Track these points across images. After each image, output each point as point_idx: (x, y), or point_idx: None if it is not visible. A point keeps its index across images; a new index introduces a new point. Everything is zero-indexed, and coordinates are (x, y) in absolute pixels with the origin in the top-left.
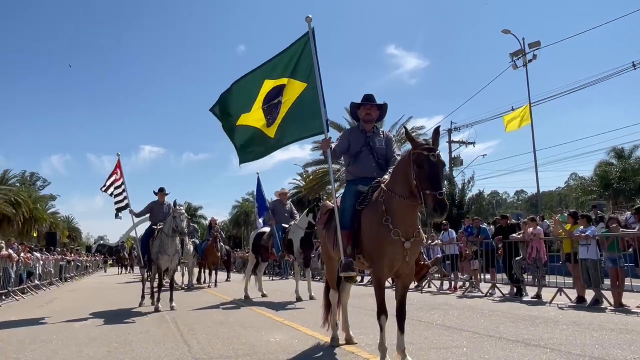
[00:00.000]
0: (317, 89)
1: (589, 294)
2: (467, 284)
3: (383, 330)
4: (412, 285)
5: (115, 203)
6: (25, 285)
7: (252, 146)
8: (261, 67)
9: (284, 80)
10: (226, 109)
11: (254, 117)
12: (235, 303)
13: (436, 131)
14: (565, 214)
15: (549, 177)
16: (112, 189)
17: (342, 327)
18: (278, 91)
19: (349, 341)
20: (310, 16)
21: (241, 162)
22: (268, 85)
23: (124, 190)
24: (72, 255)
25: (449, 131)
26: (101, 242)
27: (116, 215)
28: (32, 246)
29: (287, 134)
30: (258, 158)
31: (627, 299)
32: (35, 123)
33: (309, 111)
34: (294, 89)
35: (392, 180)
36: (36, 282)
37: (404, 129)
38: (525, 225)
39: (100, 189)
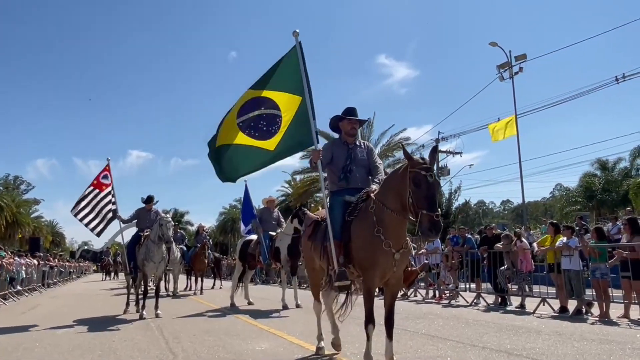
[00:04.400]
0: (307, 101)
1: (572, 304)
2: (453, 292)
3: (370, 339)
4: (400, 292)
5: (93, 228)
6: (7, 292)
7: (239, 162)
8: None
9: (271, 94)
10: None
11: (230, 136)
12: (221, 311)
13: (434, 150)
14: (547, 223)
15: (535, 187)
16: (87, 209)
17: (331, 330)
18: (259, 103)
19: (335, 345)
20: (297, 31)
21: (225, 179)
22: (248, 95)
23: (112, 197)
24: (57, 260)
25: (437, 141)
26: (85, 247)
27: (98, 234)
28: (15, 251)
29: (286, 148)
30: (253, 171)
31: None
32: (20, 127)
33: (304, 124)
34: (292, 103)
35: (382, 192)
36: (18, 288)
37: (394, 140)
38: (507, 239)
39: (73, 213)
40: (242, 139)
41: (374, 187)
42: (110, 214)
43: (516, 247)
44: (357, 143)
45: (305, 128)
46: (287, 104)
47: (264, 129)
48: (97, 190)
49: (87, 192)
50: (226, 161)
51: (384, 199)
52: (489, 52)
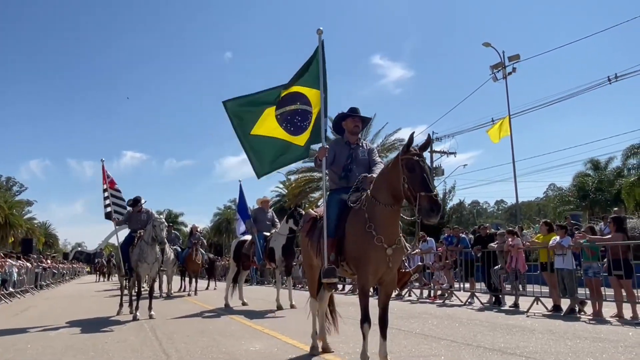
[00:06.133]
0: (321, 99)
1: (565, 303)
2: (447, 293)
3: (366, 338)
4: (394, 293)
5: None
6: None
7: (273, 156)
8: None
9: (303, 89)
10: (240, 112)
11: (267, 126)
12: (215, 312)
13: (429, 138)
14: (541, 223)
15: (528, 187)
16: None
17: (319, 335)
18: (294, 98)
19: (325, 349)
20: (321, 29)
21: (261, 174)
22: (284, 92)
23: (107, 197)
24: (50, 262)
25: (430, 139)
26: (79, 248)
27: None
28: (7, 252)
29: (312, 142)
30: (283, 166)
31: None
32: (14, 127)
33: (320, 121)
34: (317, 98)
35: (375, 187)
36: (10, 289)
37: (388, 140)
38: (502, 237)
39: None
40: (279, 132)
41: (373, 175)
42: (110, 208)
43: (511, 244)
44: (359, 143)
45: (319, 126)
46: (315, 100)
47: (298, 124)
48: (105, 186)
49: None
50: (261, 152)
51: (376, 194)
52: (483, 53)
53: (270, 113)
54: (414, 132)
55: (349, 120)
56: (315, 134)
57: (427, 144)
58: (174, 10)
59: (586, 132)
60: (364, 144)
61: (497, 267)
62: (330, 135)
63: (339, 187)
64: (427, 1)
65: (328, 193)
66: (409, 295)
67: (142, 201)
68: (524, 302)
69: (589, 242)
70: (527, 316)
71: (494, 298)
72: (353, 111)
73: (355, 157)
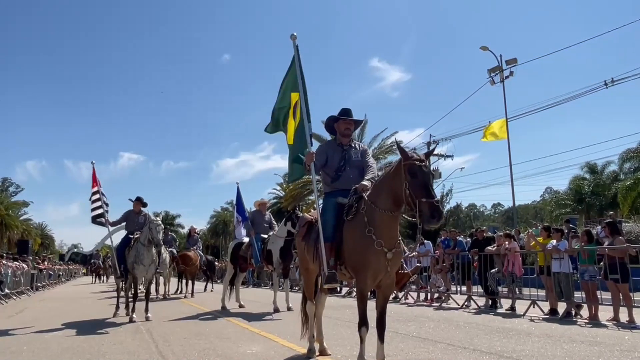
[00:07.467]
0: (302, 105)
1: (562, 307)
2: (444, 296)
3: (363, 342)
4: (392, 296)
5: (93, 210)
6: None
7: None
8: (284, 83)
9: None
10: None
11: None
12: (212, 314)
13: (431, 150)
14: (540, 227)
15: (525, 190)
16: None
17: (316, 338)
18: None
19: (322, 352)
20: (295, 34)
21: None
22: (294, 98)
23: (98, 200)
24: (46, 263)
25: (428, 144)
26: (75, 250)
27: (93, 221)
28: (5, 254)
29: (296, 149)
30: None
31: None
32: (11, 128)
33: (302, 130)
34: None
35: (374, 192)
36: (6, 291)
37: (385, 143)
38: (500, 239)
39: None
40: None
41: (365, 182)
42: (102, 210)
43: (507, 249)
44: (352, 145)
45: (302, 134)
46: (297, 105)
47: None
48: (96, 188)
49: (93, 192)
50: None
51: (375, 199)
52: (480, 56)
53: (291, 118)
54: (395, 136)
55: (340, 123)
56: (299, 140)
57: (431, 152)
58: (172, 12)
59: (583, 135)
60: (357, 145)
61: (493, 270)
62: (328, 137)
63: (333, 189)
64: (426, 4)
65: (323, 196)
66: (406, 299)
67: (144, 201)
68: (521, 306)
69: (586, 247)
70: (531, 320)
71: (490, 301)
72: (344, 113)
73: (348, 158)
